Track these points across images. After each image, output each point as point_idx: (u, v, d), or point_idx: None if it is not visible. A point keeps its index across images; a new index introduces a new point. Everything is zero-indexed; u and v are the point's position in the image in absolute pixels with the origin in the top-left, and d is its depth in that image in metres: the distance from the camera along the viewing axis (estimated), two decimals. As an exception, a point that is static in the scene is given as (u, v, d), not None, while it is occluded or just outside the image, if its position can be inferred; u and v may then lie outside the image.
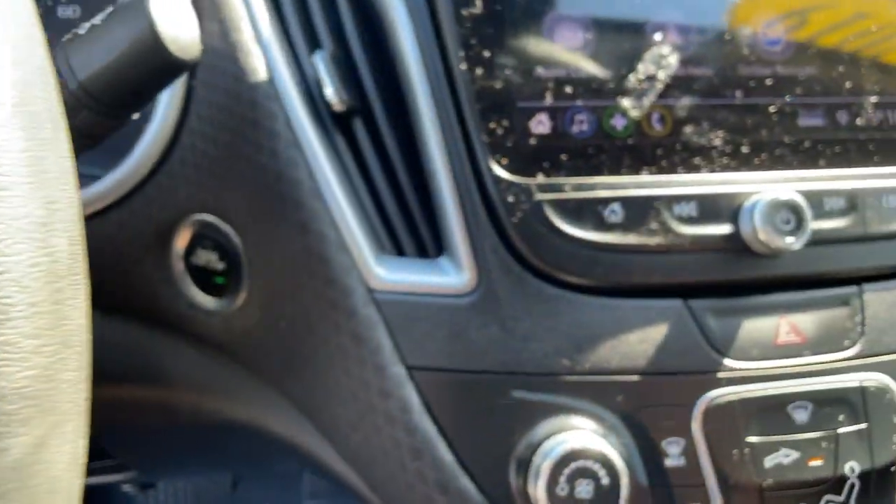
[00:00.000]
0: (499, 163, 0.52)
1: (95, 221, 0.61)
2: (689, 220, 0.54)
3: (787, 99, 0.58)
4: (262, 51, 0.58)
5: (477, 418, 0.51)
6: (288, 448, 0.64)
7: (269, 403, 0.63)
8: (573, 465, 0.48)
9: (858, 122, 0.59)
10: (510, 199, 0.52)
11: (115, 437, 0.74)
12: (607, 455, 0.48)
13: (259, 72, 0.56)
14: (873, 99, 0.59)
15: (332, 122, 0.57)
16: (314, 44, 0.60)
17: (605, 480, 0.48)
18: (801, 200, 0.53)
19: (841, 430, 0.53)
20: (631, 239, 0.53)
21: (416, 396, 0.51)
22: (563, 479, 0.47)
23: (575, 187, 0.53)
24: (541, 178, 0.53)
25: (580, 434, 0.49)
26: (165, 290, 0.62)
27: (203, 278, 0.62)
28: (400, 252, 0.56)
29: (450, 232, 0.53)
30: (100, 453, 0.86)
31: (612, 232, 0.53)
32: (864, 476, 0.53)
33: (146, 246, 0.61)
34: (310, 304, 0.54)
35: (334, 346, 0.53)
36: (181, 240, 0.61)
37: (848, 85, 0.59)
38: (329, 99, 0.56)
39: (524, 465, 0.49)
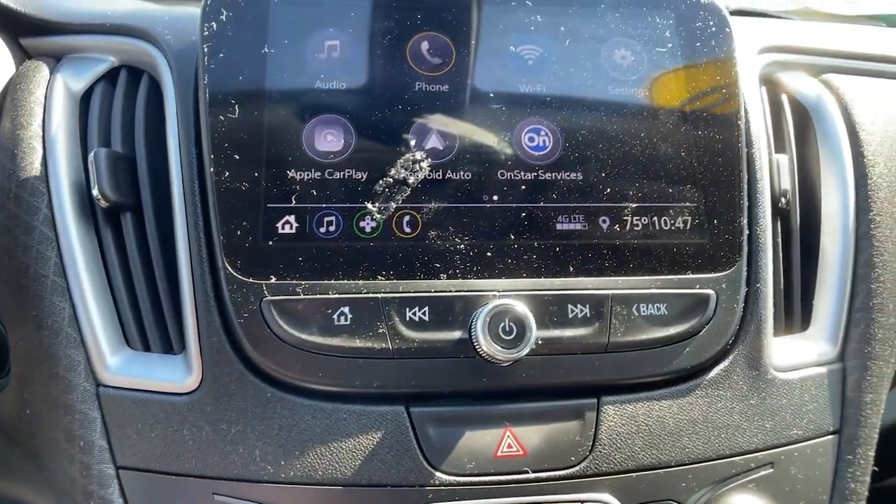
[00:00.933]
0: (233, 263, 0.54)
1: None
2: (420, 326, 0.54)
3: (543, 203, 0.58)
4: (43, 148, 0.61)
5: None
6: None
7: (41, 485, 0.64)
8: None
9: (618, 227, 0.59)
10: (239, 299, 0.53)
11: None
12: None
13: (32, 168, 0.59)
14: (635, 205, 0.59)
15: (104, 218, 0.60)
16: (108, 143, 0.63)
17: None
18: (523, 310, 0.53)
19: None
20: (357, 343, 0.53)
21: (118, 497, 0.51)
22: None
23: (307, 289, 0.54)
24: (272, 280, 0.54)
25: None
26: None
27: (-15, 360, 0.64)
28: (147, 346, 0.57)
29: (185, 329, 0.55)
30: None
31: (338, 336, 0.53)
32: None
33: None
34: (39, 396, 0.56)
35: (52, 441, 0.54)
36: (-35, 320, 0.64)
37: (609, 191, 0.59)
38: (95, 195, 0.58)
39: None
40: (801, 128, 0.73)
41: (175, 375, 0.54)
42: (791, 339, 0.63)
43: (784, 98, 0.74)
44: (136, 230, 0.59)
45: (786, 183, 0.66)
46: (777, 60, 0.76)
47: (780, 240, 0.66)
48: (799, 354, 0.62)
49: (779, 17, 1.23)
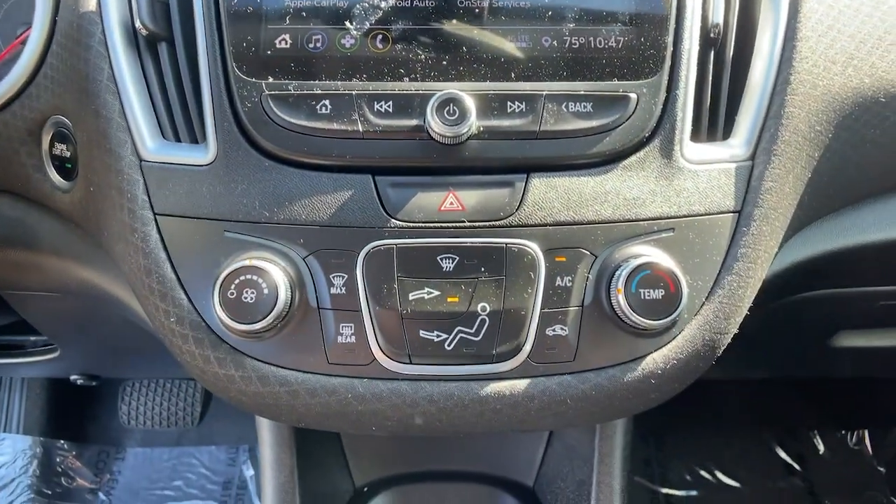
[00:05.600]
0: (240, 67, 0.69)
1: None
2: (385, 115, 0.68)
3: (494, 25, 0.70)
4: None
5: (196, 250, 0.67)
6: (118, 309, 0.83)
7: (103, 264, 0.82)
8: (241, 277, 0.63)
9: (556, 44, 0.69)
10: (244, 93, 0.68)
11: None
12: (268, 272, 0.63)
13: (89, 4, 0.76)
14: (573, 26, 0.70)
15: (145, 46, 0.76)
16: None
17: (266, 291, 0.63)
18: (464, 97, 0.65)
19: (481, 279, 0.65)
20: (334, 126, 0.68)
21: (155, 233, 0.68)
22: (233, 286, 0.63)
23: (296, 87, 0.68)
24: (270, 79, 0.69)
25: (258, 254, 0.65)
26: (36, 174, 0.83)
27: (60, 165, 0.82)
28: (178, 139, 0.73)
29: (205, 119, 0.70)
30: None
31: (320, 120, 0.68)
32: (493, 315, 0.65)
33: (22, 140, 0.82)
34: (99, 168, 0.73)
35: (108, 198, 0.71)
36: (46, 136, 0.82)
37: (552, 14, 0.70)
38: (137, 26, 0.74)
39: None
40: None
41: (198, 155, 0.70)
42: (710, 145, 0.74)
43: None
44: (169, 55, 0.75)
45: (717, 17, 0.75)
46: None
47: (710, 66, 0.75)
48: (713, 153, 0.72)
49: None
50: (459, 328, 0.66)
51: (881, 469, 1.91)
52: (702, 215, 0.70)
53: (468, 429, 0.70)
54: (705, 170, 0.71)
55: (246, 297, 0.64)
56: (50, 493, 1.82)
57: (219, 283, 0.64)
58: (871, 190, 0.85)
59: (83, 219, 0.81)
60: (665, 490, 1.88)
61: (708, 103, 0.75)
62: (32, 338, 1.29)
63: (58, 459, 1.88)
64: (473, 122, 0.66)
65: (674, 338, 0.68)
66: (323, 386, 0.67)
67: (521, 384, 0.68)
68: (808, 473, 1.91)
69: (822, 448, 1.96)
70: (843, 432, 1.97)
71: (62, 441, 1.90)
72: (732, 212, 0.71)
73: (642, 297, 0.65)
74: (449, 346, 0.66)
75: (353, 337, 0.66)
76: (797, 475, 1.91)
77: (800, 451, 1.95)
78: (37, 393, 1.88)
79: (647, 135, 0.70)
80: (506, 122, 0.68)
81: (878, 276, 0.96)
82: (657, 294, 0.65)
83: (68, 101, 0.78)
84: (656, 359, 0.68)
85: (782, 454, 1.94)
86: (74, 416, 1.94)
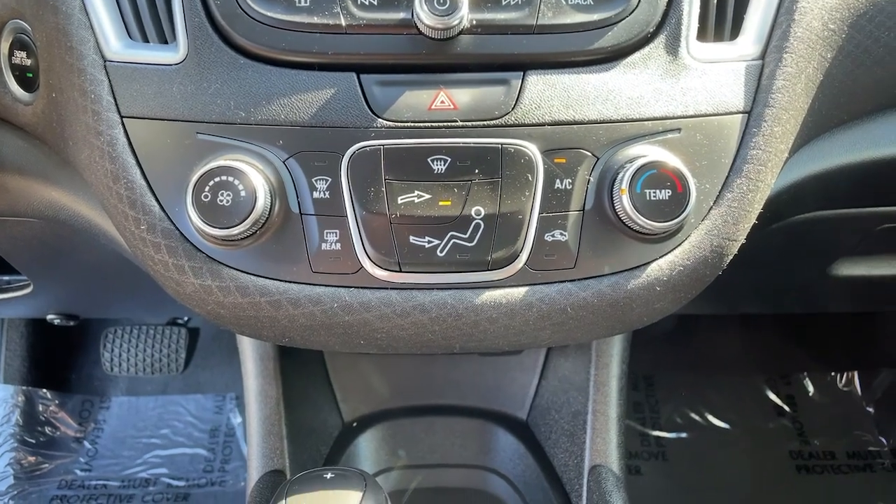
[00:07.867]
0: None
1: None
2: (370, 7, 0.62)
3: None
4: None
5: (167, 154, 0.62)
6: (88, 233, 0.78)
7: (70, 183, 0.77)
8: (216, 178, 0.59)
9: None
10: None
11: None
12: (245, 173, 0.59)
13: None
14: None
15: None
16: None
17: (243, 193, 0.58)
18: None
19: (475, 181, 0.61)
20: (315, 20, 0.62)
21: (122, 136, 0.63)
22: (207, 188, 0.59)
23: None
24: None
25: (235, 156, 0.60)
26: None
27: (20, 75, 0.76)
28: (146, 40, 0.67)
29: (174, 13, 0.65)
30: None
31: (299, 14, 0.62)
32: (489, 219, 0.61)
33: None
34: (60, 70, 0.67)
35: (71, 101, 0.66)
36: (4, 43, 0.75)
37: None
38: None
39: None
40: None
41: (166, 54, 0.64)
42: (718, 44, 0.69)
43: None
44: None
45: None
46: None
47: None
48: (721, 53, 0.68)
49: None
50: (452, 233, 0.62)
51: (870, 409, 1.92)
52: (710, 115, 0.65)
53: (462, 341, 0.67)
54: (713, 69, 0.67)
55: (221, 200, 0.59)
56: (34, 441, 1.79)
57: (192, 184, 0.59)
58: (884, 101, 0.81)
59: (47, 132, 0.75)
60: (655, 433, 1.88)
61: (716, 2, 0.70)
62: (6, 277, 1.24)
63: (40, 409, 1.84)
64: (465, 14, 0.61)
65: (680, 243, 0.65)
66: (307, 295, 0.64)
67: (518, 292, 0.64)
68: (797, 414, 1.91)
69: (811, 390, 1.96)
70: (833, 374, 1.97)
71: (45, 390, 1.86)
72: (742, 112, 0.66)
73: (648, 197, 0.61)
74: (441, 252, 0.62)
75: (339, 244, 0.62)
76: (787, 416, 1.91)
77: (790, 393, 1.95)
78: (17, 342, 1.84)
79: (651, 30, 0.65)
80: (500, 16, 0.63)
81: (883, 195, 0.93)
82: (663, 194, 0.61)
83: (25, 2, 0.72)
84: (662, 265, 0.65)
85: (772, 396, 1.95)
86: (57, 364, 1.90)
